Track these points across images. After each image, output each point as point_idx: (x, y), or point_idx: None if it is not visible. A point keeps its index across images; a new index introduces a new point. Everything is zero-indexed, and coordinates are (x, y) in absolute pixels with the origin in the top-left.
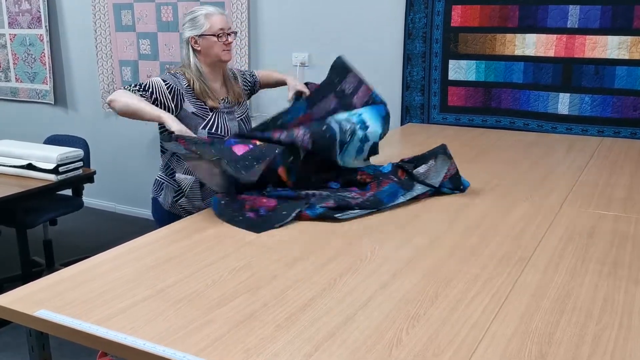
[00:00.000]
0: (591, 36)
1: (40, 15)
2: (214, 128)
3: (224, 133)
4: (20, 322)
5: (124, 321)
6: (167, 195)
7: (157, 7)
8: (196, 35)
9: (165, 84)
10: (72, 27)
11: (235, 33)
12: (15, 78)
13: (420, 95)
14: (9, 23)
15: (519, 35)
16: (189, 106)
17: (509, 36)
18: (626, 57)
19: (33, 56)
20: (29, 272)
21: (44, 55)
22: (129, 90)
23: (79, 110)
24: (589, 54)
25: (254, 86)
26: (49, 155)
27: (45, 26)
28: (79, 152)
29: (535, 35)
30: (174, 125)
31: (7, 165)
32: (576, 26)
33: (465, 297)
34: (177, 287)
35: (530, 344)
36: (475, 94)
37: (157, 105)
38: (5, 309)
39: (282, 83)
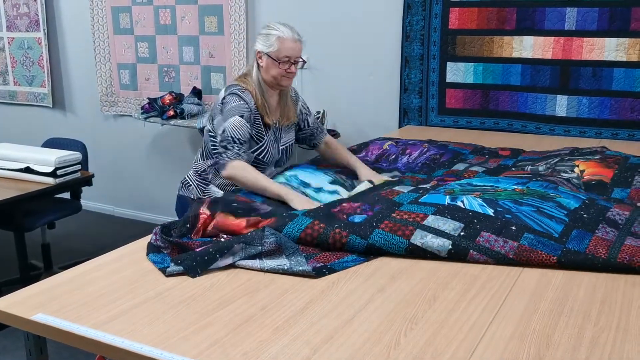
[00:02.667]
0: (589, 38)
1: (39, 18)
2: (262, 155)
3: (268, 161)
4: (18, 326)
5: (122, 324)
6: (194, 195)
7: (155, 10)
8: (263, 52)
9: (244, 118)
10: (70, 30)
11: (304, 62)
12: (14, 81)
13: (418, 97)
14: (7, 26)
15: (516, 37)
16: (251, 129)
17: (506, 38)
18: (624, 59)
19: (31, 59)
20: (27, 276)
21: (42, 59)
22: (234, 154)
23: (77, 113)
24: (586, 56)
25: (310, 140)
26: (47, 159)
27: (44, 29)
28: (77, 155)
29: (532, 37)
30: (300, 206)
31: (5, 169)
32: (574, 28)
33: (464, 299)
34: (175, 290)
35: (529, 346)
36: (473, 96)
37: (249, 141)
38: (2, 313)
39: (350, 167)
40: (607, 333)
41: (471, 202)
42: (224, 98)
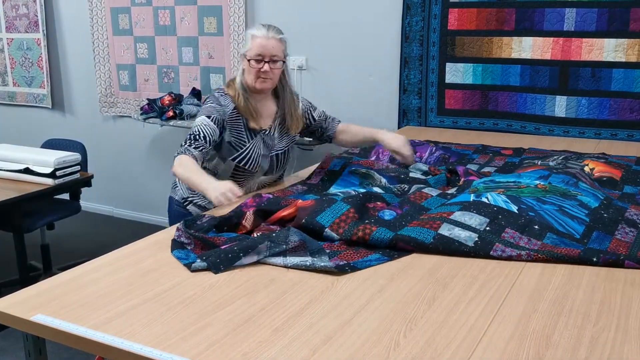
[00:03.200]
0: (588, 39)
1: (38, 19)
2: (244, 162)
3: (253, 169)
4: (17, 327)
5: (121, 325)
6: (178, 195)
7: (154, 11)
8: (242, 54)
9: (211, 119)
10: (70, 31)
11: (283, 62)
12: (13, 82)
13: (418, 98)
14: (6, 27)
15: (515, 38)
16: (227, 135)
17: (505, 39)
18: (623, 59)
19: (30, 60)
20: (27, 277)
21: (42, 60)
22: (184, 149)
23: (77, 114)
24: (585, 56)
25: (320, 133)
26: (47, 160)
27: (43, 30)
28: (77, 156)
29: (531, 38)
30: (213, 196)
31: (4, 170)
32: (572, 29)
33: (463, 300)
34: (174, 291)
35: (528, 347)
36: (473, 96)
37: (212, 140)
38: (2, 314)
39: (373, 139)
40: (607, 333)
41: (495, 198)
42: (205, 100)
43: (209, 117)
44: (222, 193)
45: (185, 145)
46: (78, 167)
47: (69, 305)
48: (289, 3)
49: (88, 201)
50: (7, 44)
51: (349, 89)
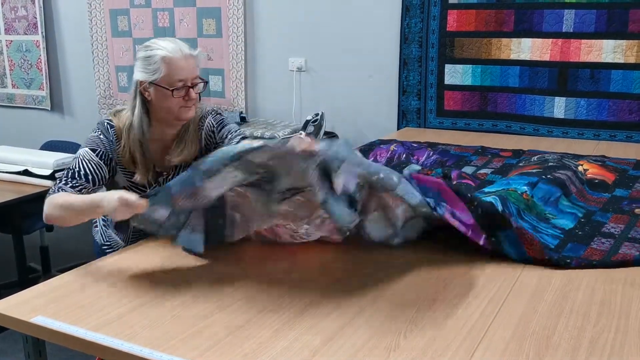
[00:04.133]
0: (586, 40)
1: (37, 21)
2: None
3: None
4: (17, 329)
5: (121, 327)
6: (97, 239)
7: (153, 12)
8: (146, 81)
9: (96, 153)
10: (69, 33)
11: (206, 83)
12: (12, 84)
13: (417, 99)
14: (5, 29)
15: (514, 39)
16: (121, 179)
17: (504, 40)
18: (621, 61)
19: (29, 62)
20: (26, 279)
21: (41, 61)
22: (56, 188)
23: (76, 116)
24: (584, 58)
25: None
26: (46, 161)
27: (42, 32)
28: None
29: (530, 39)
30: (110, 206)
31: (3, 172)
32: (571, 30)
33: (463, 301)
34: (174, 292)
35: (528, 348)
36: (472, 98)
37: (96, 179)
38: (1, 316)
39: None
40: (607, 334)
41: (485, 198)
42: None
43: (93, 150)
44: (123, 199)
45: (59, 185)
46: None
47: (69, 307)
48: (288, 4)
49: None
50: (6, 45)
51: (348, 90)
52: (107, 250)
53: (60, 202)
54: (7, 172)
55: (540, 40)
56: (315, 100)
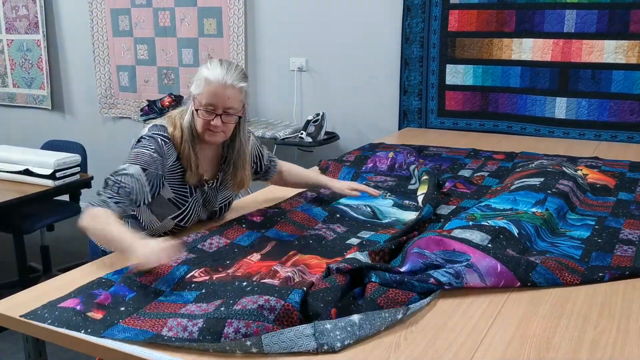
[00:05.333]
0: (588, 40)
1: (38, 20)
2: (184, 221)
3: (190, 225)
4: (17, 329)
5: None
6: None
7: (154, 12)
8: (192, 94)
9: (146, 174)
10: (70, 33)
11: (239, 117)
12: (13, 83)
13: (418, 99)
14: (6, 29)
15: (515, 39)
16: (167, 192)
17: (505, 41)
18: (623, 61)
19: (30, 61)
20: (26, 278)
21: (41, 61)
22: (101, 200)
23: (77, 115)
24: (585, 58)
25: (262, 175)
26: (46, 161)
27: (43, 31)
28: (77, 158)
29: (532, 39)
30: (139, 253)
31: (4, 171)
32: (573, 31)
33: (464, 302)
34: None
35: (529, 349)
36: (473, 98)
37: (138, 201)
38: (1, 315)
39: (318, 186)
40: (608, 336)
41: (496, 222)
42: (141, 137)
43: (144, 170)
44: (155, 253)
45: (105, 197)
46: (78, 169)
47: None
48: (288, 4)
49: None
50: (7, 45)
51: (349, 90)
52: (108, 251)
53: (97, 226)
54: (8, 172)
55: (541, 40)
56: (316, 100)
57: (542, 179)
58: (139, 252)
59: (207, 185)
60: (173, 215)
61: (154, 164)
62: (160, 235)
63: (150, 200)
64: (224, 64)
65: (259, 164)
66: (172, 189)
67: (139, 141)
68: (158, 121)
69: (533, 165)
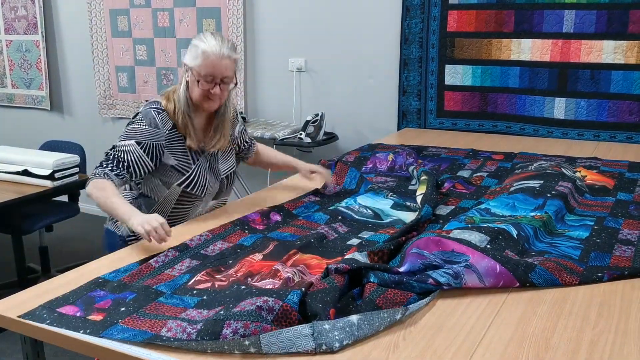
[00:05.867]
0: (587, 41)
1: (37, 21)
2: (190, 186)
3: (201, 194)
4: (15, 329)
5: None
6: (122, 232)
7: (153, 12)
8: (188, 65)
9: (141, 146)
10: (69, 33)
11: (235, 84)
12: (12, 84)
13: (417, 99)
14: (5, 29)
15: (514, 40)
16: (168, 158)
17: (504, 41)
18: (622, 61)
19: (29, 62)
20: (25, 279)
21: (40, 61)
22: (102, 171)
23: (75, 116)
24: (584, 58)
25: (243, 153)
26: (45, 162)
27: (42, 32)
28: (75, 158)
29: (530, 40)
30: (138, 228)
31: (3, 172)
32: (571, 31)
33: (462, 302)
34: None
35: (527, 349)
36: (472, 98)
37: (138, 172)
38: (0, 316)
39: (287, 166)
40: (606, 336)
41: (495, 225)
42: (136, 114)
43: (138, 143)
44: (152, 226)
45: (106, 169)
46: (77, 169)
47: None
48: (287, 4)
49: (87, 203)
50: (6, 45)
51: (349, 90)
52: (132, 242)
53: (100, 195)
54: (6, 172)
55: (540, 40)
56: (315, 101)
57: (541, 182)
58: (138, 220)
59: (204, 155)
60: (179, 182)
61: (148, 136)
62: (174, 208)
63: (154, 168)
64: (217, 37)
65: (242, 140)
66: (173, 157)
67: (134, 117)
68: (153, 98)
69: (532, 167)
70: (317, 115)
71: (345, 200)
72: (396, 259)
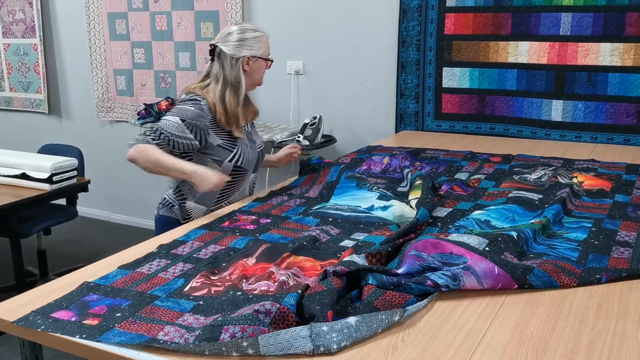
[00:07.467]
0: (584, 43)
1: (35, 24)
2: (240, 161)
3: (247, 166)
4: (14, 333)
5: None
6: (177, 215)
7: (151, 16)
8: (253, 56)
9: (185, 124)
10: (67, 37)
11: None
12: (10, 87)
13: (415, 102)
14: (3, 32)
15: (512, 42)
16: (214, 139)
17: (502, 44)
18: (619, 63)
19: (27, 65)
20: (23, 282)
21: (38, 65)
22: (144, 139)
23: (73, 119)
24: (581, 61)
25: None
26: (43, 165)
27: (40, 35)
28: (73, 161)
29: (528, 42)
30: (205, 179)
31: (1, 175)
32: (569, 33)
33: (461, 304)
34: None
35: (526, 351)
36: (469, 101)
37: (178, 146)
38: None
39: (267, 163)
40: (605, 337)
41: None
42: (180, 100)
43: (183, 120)
44: (219, 178)
45: (148, 137)
46: (75, 172)
47: None
48: (285, 8)
49: (85, 206)
50: (4, 49)
51: (346, 93)
52: (187, 223)
53: (152, 155)
54: (4, 176)
55: (537, 43)
56: (313, 103)
57: (540, 196)
58: (197, 182)
59: (243, 128)
60: (229, 158)
61: (193, 117)
62: (219, 196)
63: (199, 146)
64: (250, 23)
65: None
66: (218, 137)
67: (180, 102)
68: (191, 91)
69: (531, 179)
70: (315, 117)
71: (330, 201)
72: (394, 261)
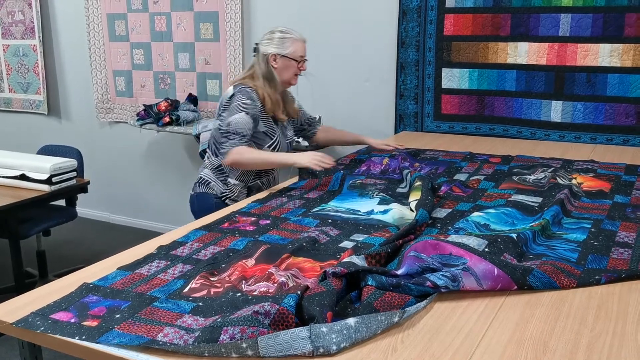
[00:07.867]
0: (583, 44)
1: (34, 25)
2: (277, 148)
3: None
4: (13, 334)
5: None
6: (216, 191)
7: (150, 17)
8: (278, 54)
9: (250, 116)
10: (66, 38)
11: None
12: (9, 88)
13: (414, 103)
14: (2, 34)
15: (511, 43)
16: (261, 126)
17: (501, 44)
18: (618, 64)
19: (26, 66)
20: (22, 284)
21: (38, 66)
22: (235, 142)
23: (73, 120)
24: (580, 61)
25: (309, 130)
26: (42, 166)
27: (39, 36)
28: (73, 162)
29: (527, 43)
30: (303, 160)
31: (0, 176)
32: (568, 34)
33: (460, 305)
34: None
35: (525, 352)
36: (469, 102)
37: (250, 138)
38: None
39: (357, 142)
40: (604, 338)
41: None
42: (232, 95)
43: (247, 113)
44: (316, 159)
45: (235, 140)
46: (74, 173)
47: None
48: (284, 9)
49: (84, 207)
50: (3, 50)
51: (346, 94)
52: (226, 199)
53: (250, 156)
54: (4, 177)
55: (536, 44)
56: (313, 104)
57: (540, 201)
58: (304, 158)
59: (281, 121)
60: (268, 144)
61: (251, 107)
62: (256, 175)
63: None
64: (288, 28)
65: (304, 116)
66: (264, 124)
67: (231, 98)
68: (239, 82)
69: (530, 180)
70: (314, 118)
71: (330, 203)
72: (394, 262)
